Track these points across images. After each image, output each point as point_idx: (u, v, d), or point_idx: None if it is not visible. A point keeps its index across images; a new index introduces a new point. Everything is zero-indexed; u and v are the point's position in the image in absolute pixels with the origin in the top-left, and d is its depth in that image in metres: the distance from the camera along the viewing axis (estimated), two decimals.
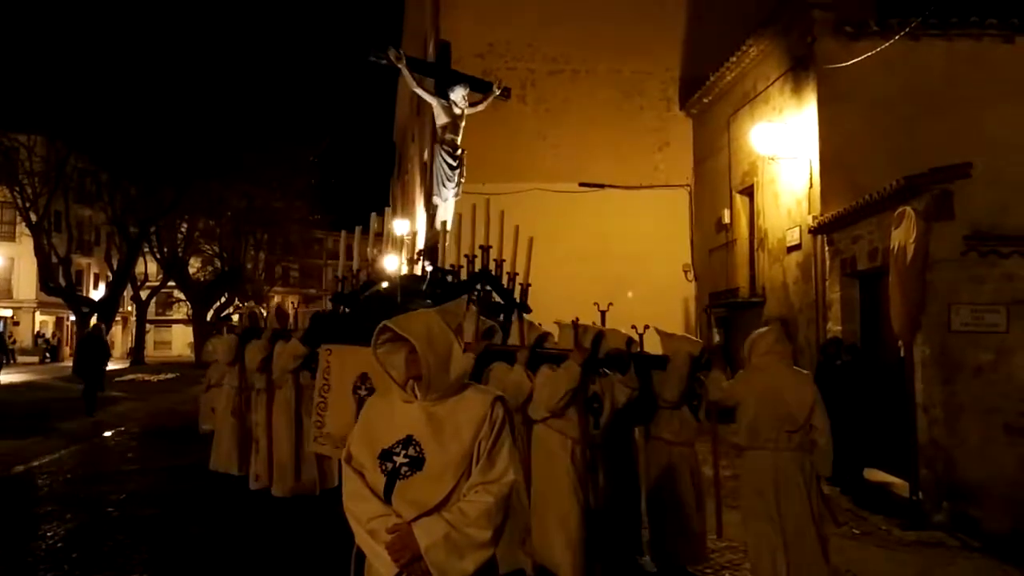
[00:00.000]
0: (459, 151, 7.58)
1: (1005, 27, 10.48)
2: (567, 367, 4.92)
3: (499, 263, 6.91)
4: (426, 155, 21.41)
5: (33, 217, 26.14)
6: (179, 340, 52.45)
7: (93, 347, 16.25)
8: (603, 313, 5.48)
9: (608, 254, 15.48)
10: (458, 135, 7.59)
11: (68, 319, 39.89)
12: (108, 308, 27.50)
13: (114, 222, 29.13)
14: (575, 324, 5.27)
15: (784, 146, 11.64)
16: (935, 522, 7.47)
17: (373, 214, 8.00)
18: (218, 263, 35.76)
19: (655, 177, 16.73)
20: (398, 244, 7.93)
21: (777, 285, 12.28)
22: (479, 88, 7.92)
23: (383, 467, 2.59)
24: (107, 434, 13.44)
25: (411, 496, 2.54)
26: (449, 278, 6.86)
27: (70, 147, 26.10)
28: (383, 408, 2.76)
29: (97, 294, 37.95)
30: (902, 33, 10.14)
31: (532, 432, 5.13)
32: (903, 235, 7.81)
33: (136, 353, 34.72)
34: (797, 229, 11.50)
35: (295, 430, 7.55)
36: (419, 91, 7.66)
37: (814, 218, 10.82)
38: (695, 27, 16.63)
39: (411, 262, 7.58)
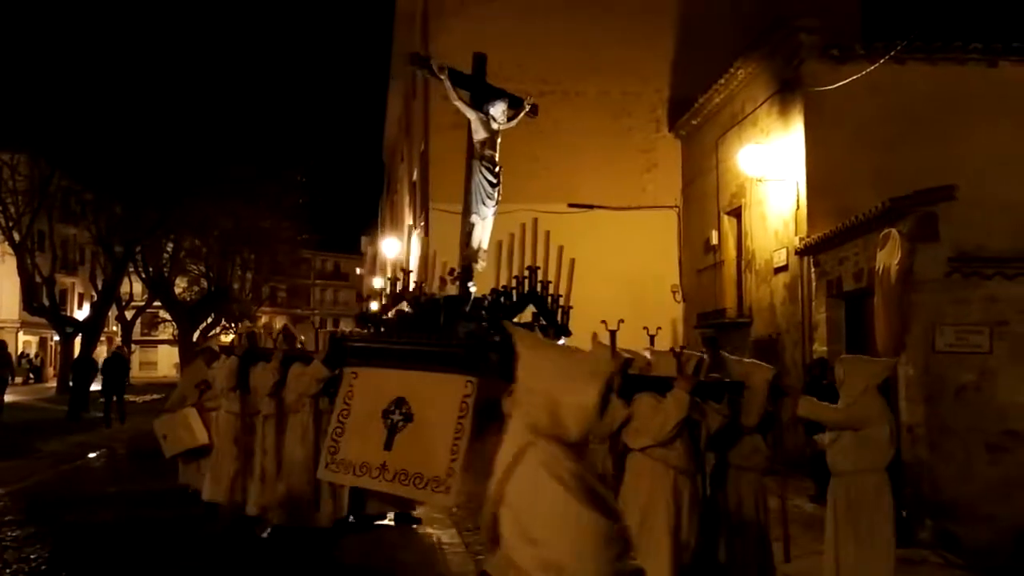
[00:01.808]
0: (498, 168, 7.35)
1: (988, 51, 10.67)
2: (677, 396, 4.88)
3: (544, 284, 6.74)
4: (414, 174, 21.50)
5: (16, 236, 25.91)
6: (165, 361, 52.05)
7: (116, 366, 18.79)
8: (652, 337, 5.31)
9: (597, 274, 15.51)
10: (496, 151, 7.36)
11: (52, 339, 39.50)
12: (93, 328, 27.21)
13: (99, 241, 28.89)
14: (676, 352, 5.23)
15: (771, 168, 11.77)
16: (919, 539, 7.51)
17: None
18: (204, 283, 35.56)
19: (644, 198, 16.84)
20: (429, 264, 7.61)
21: (764, 306, 12.36)
22: (511, 104, 7.69)
23: None
24: (92, 455, 13.30)
25: None
26: (502, 299, 6.70)
27: (54, 166, 25.97)
28: None
29: (82, 314, 37.63)
30: (887, 57, 10.30)
31: (627, 460, 5.04)
32: (888, 256, 7.90)
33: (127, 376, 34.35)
34: (784, 250, 11.60)
35: (314, 458, 7.10)
36: (458, 104, 7.38)
37: (801, 239, 10.92)
38: (684, 49, 16.81)
39: (444, 282, 7.32)
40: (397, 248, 25.40)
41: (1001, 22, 12.04)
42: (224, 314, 35.85)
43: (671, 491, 4.88)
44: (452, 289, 7.16)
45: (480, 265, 7.17)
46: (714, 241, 14.53)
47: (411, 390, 6.14)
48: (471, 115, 7.31)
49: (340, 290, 71.29)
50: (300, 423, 7.28)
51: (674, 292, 16.62)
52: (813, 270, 10.61)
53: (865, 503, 5.17)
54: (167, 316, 37.76)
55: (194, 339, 31.90)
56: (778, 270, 11.86)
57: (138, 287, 35.46)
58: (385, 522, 8.03)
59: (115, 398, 18.32)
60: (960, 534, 7.40)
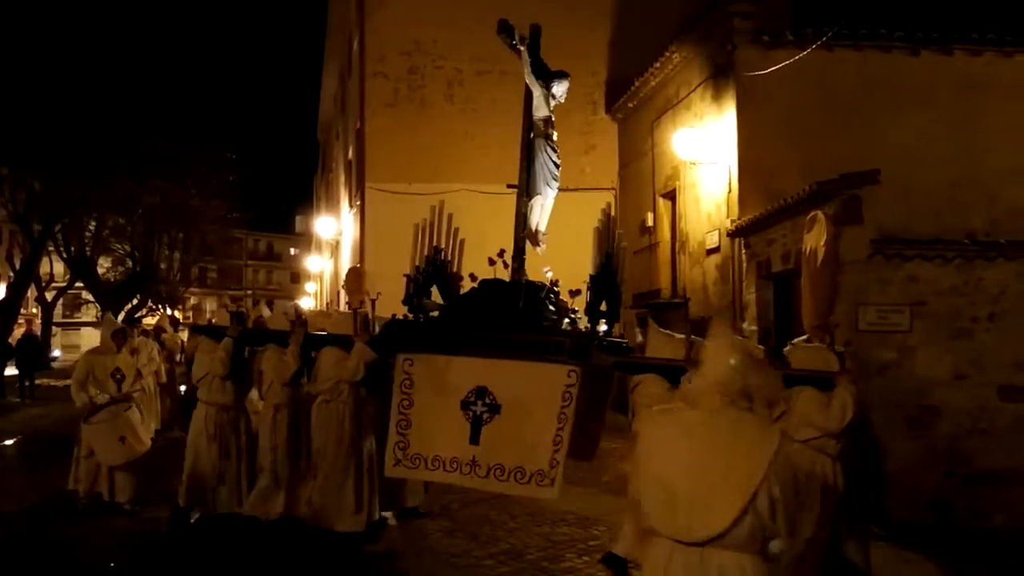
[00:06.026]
0: (558, 148, 7.17)
1: (912, 40, 10.96)
2: (850, 391, 5.12)
3: (614, 272, 6.57)
4: (350, 152, 21.13)
5: None
6: (88, 344, 50.28)
7: (29, 347, 20.73)
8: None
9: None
10: (555, 130, 7.17)
11: None
12: (9, 310, 26.10)
13: (16, 219, 27.61)
14: (833, 347, 5.42)
15: (705, 151, 11.93)
16: None
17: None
18: (130, 263, 34.40)
19: (581, 180, 16.85)
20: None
21: (697, 287, 12.57)
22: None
23: None
24: (8, 442, 12.71)
25: None
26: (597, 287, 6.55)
27: None
28: None
29: None
30: (816, 44, 10.51)
31: None
32: (814, 238, 8.08)
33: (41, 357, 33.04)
34: (716, 232, 11.80)
35: (354, 454, 6.69)
36: (529, 79, 7.20)
37: (732, 222, 11.12)
38: (621, 32, 16.87)
39: (509, 267, 6.95)
40: (333, 228, 25.01)
41: (924, 11, 12.40)
42: (150, 295, 34.78)
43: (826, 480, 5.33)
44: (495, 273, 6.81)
45: (541, 248, 6.99)
46: (649, 223, 14.70)
47: (494, 379, 5.68)
48: (537, 91, 7.12)
49: (273, 271, 69.89)
50: (336, 414, 6.76)
51: None
52: (744, 252, 10.82)
53: None
54: (90, 297, 36.45)
55: (119, 320, 30.80)
56: (710, 251, 12.07)
57: (59, 267, 34.05)
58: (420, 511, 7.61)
59: (27, 382, 19.31)
60: (883, 506, 7.68)
